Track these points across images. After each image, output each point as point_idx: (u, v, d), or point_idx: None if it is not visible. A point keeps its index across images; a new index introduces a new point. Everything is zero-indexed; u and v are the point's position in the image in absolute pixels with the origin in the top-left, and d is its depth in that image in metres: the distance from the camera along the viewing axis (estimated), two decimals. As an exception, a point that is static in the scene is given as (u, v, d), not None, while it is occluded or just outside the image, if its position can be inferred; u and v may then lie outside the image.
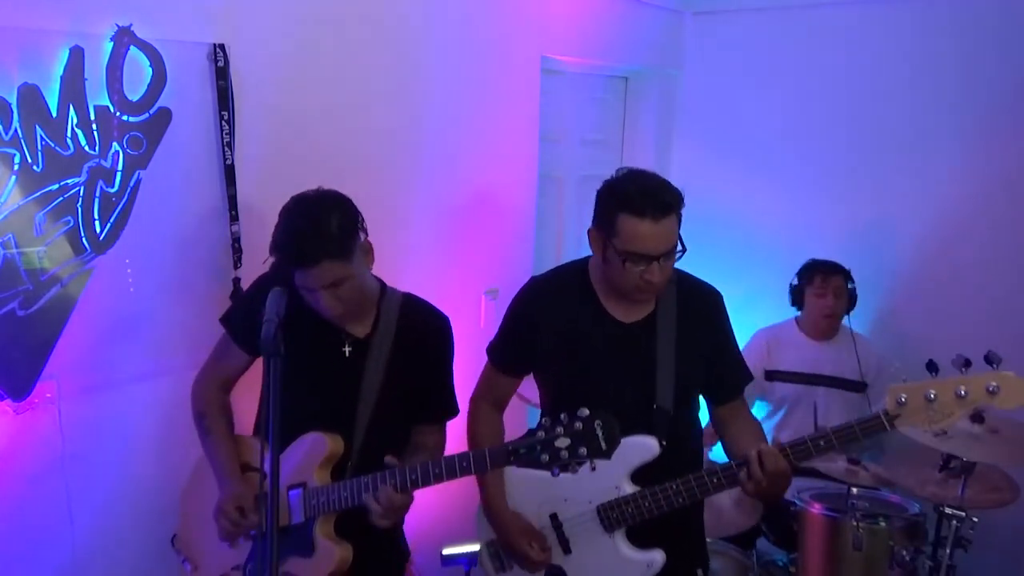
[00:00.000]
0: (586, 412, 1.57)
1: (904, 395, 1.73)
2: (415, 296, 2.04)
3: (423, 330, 1.99)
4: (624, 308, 1.97)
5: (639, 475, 1.90)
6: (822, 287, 3.24)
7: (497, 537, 2.04)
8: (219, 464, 1.96)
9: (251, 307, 1.86)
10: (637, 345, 1.95)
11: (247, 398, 2.08)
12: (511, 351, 2.11)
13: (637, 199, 1.79)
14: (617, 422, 1.58)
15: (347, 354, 1.92)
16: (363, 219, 1.85)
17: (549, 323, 2.01)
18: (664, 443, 1.80)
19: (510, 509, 2.00)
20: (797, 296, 3.33)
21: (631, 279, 1.85)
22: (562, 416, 1.59)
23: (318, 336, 1.90)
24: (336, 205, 1.81)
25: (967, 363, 1.72)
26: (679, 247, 1.87)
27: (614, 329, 1.96)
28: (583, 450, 1.56)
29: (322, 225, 1.75)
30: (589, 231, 1.93)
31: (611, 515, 1.91)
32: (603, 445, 1.56)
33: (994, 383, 1.68)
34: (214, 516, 1.92)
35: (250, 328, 1.84)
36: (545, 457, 1.58)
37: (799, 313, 3.36)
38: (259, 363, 1.97)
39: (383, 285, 2.01)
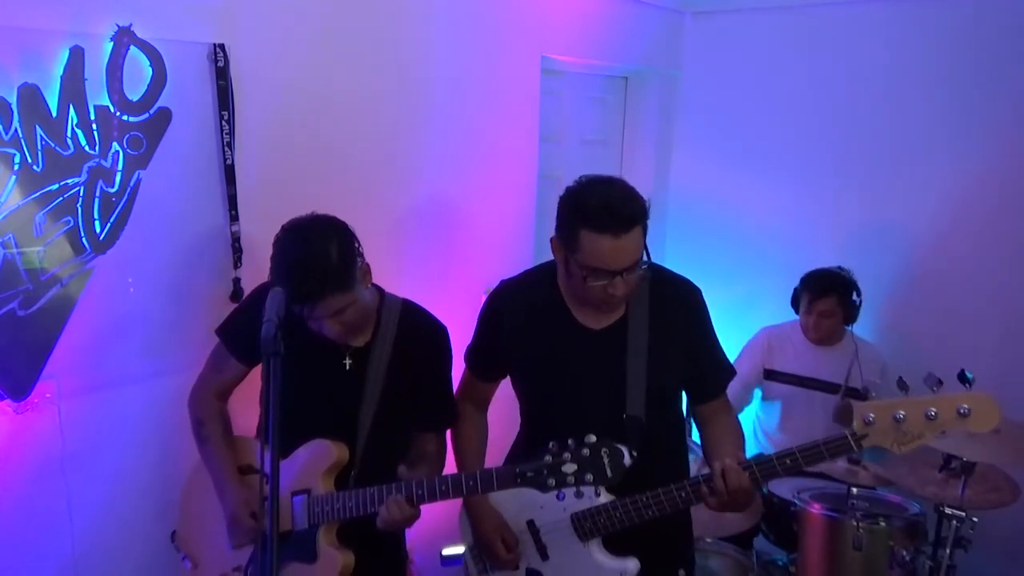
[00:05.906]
0: (593, 439, 1.59)
1: (872, 414, 1.67)
2: (414, 303, 2.03)
3: (421, 336, 1.98)
4: (593, 314, 1.90)
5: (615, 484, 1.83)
6: (808, 308, 3.24)
7: (472, 532, 2.04)
8: (217, 470, 1.97)
9: (246, 319, 1.86)
10: (607, 353, 1.89)
11: (251, 401, 2.08)
12: (482, 357, 2.08)
13: (598, 214, 1.69)
14: (623, 451, 1.58)
15: (348, 367, 1.92)
16: (359, 241, 1.82)
17: (516, 329, 1.96)
18: (635, 453, 1.74)
19: (488, 505, 1.98)
20: (795, 302, 3.33)
21: (594, 293, 1.78)
22: (569, 442, 1.60)
23: (319, 350, 1.89)
24: (333, 233, 1.76)
25: (939, 382, 1.66)
26: (644, 258, 1.78)
27: (582, 337, 1.90)
28: (589, 476, 1.58)
29: (322, 259, 1.70)
30: (552, 239, 1.84)
31: (585, 524, 1.90)
32: (608, 473, 1.57)
33: (966, 405, 1.62)
34: (228, 525, 1.92)
35: (246, 339, 1.84)
36: (552, 482, 1.60)
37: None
38: (256, 370, 1.96)
39: (382, 293, 1.99)
